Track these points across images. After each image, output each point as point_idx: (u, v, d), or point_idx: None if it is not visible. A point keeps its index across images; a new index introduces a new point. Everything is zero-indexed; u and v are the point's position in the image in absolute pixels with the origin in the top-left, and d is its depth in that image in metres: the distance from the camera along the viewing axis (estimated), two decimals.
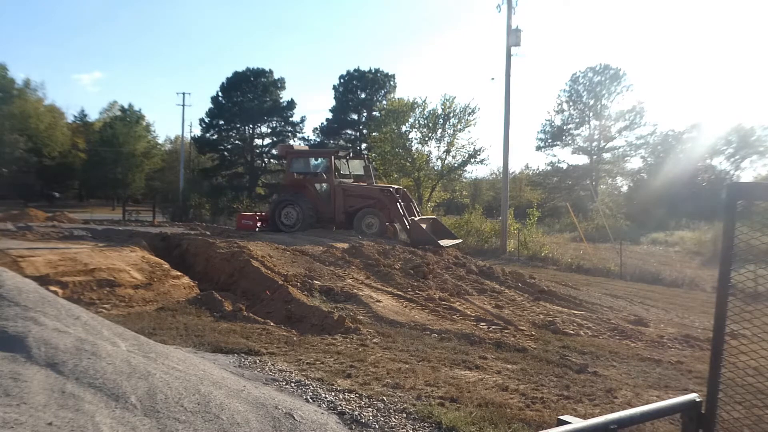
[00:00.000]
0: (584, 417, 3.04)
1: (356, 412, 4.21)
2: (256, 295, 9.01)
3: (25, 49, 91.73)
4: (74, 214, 24.09)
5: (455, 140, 31.57)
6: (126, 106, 53.71)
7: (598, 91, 46.57)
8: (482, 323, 8.14)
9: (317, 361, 5.59)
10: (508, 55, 18.75)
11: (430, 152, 31.72)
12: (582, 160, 48.55)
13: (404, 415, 4.26)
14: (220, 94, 47.02)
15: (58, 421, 2.51)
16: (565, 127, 48.34)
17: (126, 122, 50.63)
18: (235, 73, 46.90)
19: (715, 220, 24.35)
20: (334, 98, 48.38)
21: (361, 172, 18.33)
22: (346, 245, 12.90)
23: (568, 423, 1.61)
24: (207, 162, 50.45)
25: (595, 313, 9.68)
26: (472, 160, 32.37)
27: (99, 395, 2.84)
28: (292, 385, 4.76)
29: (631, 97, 56.49)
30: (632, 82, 53.19)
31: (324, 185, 17.22)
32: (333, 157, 17.66)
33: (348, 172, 18.37)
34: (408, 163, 30.41)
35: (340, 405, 4.32)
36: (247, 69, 47.04)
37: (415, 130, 31.93)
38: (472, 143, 32.25)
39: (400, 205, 16.02)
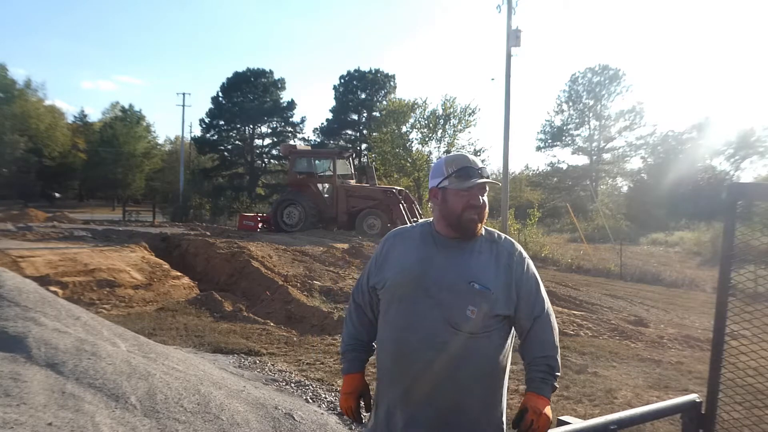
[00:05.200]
0: (584, 417, 3.04)
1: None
2: (256, 295, 9.01)
3: (24, 49, 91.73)
4: (74, 215, 24.12)
5: (455, 141, 31.62)
6: (126, 107, 53.79)
7: (598, 92, 46.55)
8: None
9: (317, 362, 5.59)
10: (508, 56, 18.72)
11: (430, 152, 31.74)
12: (582, 160, 48.57)
13: None
14: (220, 94, 46.97)
15: (58, 422, 2.51)
16: (564, 128, 48.31)
17: (126, 123, 50.59)
18: (236, 74, 46.84)
19: (714, 220, 24.33)
20: (334, 98, 48.33)
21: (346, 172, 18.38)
22: (346, 245, 12.92)
23: (568, 423, 1.61)
24: (207, 162, 50.35)
25: (595, 313, 9.67)
26: None
27: (99, 395, 2.84)
28: (292, 385, 4.75)
29: (631, 98, 56.55)
30: (632, 83, 52.99)
31: (326, 185, 17.26)
32: (335, 158, 17.71)
33: (350, 173, 18.41)
34: (408, 164, 30.43)
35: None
36: (248, 69, 46.97)
37: (416, 130, 31.97)
38: (473, 144, 32.33)
39: (403, 206, 16.03)
